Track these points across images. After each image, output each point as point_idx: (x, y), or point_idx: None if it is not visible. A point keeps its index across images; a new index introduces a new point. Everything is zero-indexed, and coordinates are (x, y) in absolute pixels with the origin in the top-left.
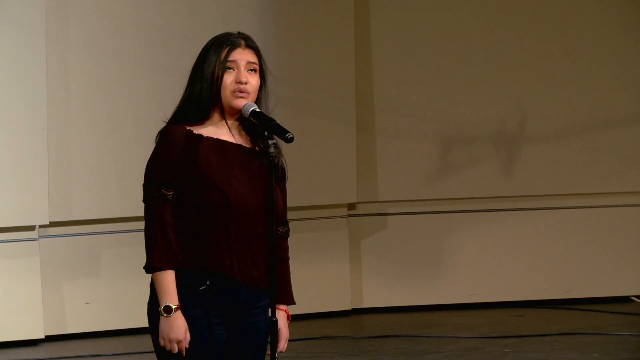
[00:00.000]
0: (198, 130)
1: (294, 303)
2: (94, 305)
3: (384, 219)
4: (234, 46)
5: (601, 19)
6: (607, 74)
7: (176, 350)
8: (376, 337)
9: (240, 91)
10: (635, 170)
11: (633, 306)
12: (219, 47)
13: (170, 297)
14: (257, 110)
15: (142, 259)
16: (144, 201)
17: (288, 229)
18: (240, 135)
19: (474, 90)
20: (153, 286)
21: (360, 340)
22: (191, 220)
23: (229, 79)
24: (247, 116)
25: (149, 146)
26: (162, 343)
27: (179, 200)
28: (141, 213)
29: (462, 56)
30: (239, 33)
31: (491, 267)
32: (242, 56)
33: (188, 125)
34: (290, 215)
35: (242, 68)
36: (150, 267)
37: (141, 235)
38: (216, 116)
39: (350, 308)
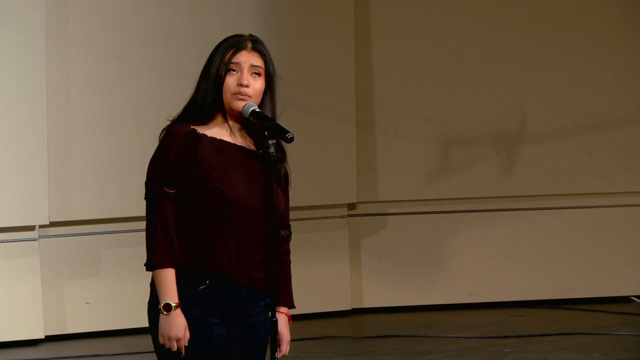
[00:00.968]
0: (202, 130)
1: (294, 307)
2: (94, 305)
3: (384, 219)
4: (239, 48)
5: (601, 19)
6: (607, 74)
7: (175, 348)
8: (376, 337)
9: (241, 94)
10: (635, 170)
11: (633, 306)
12: (225, 48)
13: (170, 295)
14: (257, 110)
15: (142, 259)
16: (145, 199)
17: (290, 233)
18: (243, 137)
19: (474, 90)
20: (153, 286)
21: (360, 340)
22: (192, 219)
23: (231, 80)
24: (247, 116)
25: (149, 146)
26: (161, 341)
27: (180, 200)
28: (141, 213)
29: (462, 56)
30: (250, 35)
31: (491, 267)
32: (246, 59)
33: (192, 125)
34: (290, 215)
35: (245, 71)
36: (151, 265)
37: (141, 235)
38: (219, 117)
39: (350, 308)
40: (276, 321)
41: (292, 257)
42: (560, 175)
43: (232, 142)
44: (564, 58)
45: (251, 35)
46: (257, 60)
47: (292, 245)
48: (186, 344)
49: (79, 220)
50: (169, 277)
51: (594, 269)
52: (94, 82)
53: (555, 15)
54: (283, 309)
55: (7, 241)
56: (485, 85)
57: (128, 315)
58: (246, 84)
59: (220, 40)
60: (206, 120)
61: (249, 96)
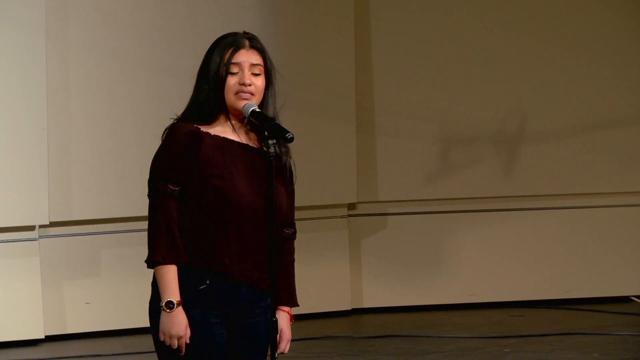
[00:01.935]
0: (205, 129)
1: (297, 305)
2: (94, 305)
3: (384, 219)
4: (237, 47)
5: (601, 19)
6: (607, 74)
7: (175, 345)
8: (376, 337)
9: (244, 92)
10: (635, 170)
11: (633, 306)
12: (223, 48)
13: (172, 292)
14: (257, 110)
15: (142, 258)
16: (149, 196)
17: (295, 231)
18: (246, 135)
19: (474, 90)
20: (155, 285)
21: (360, 340)
22: (194, 218)
23: (232, 80)
24: (247, 116)
25: (149, 146)
26: (162, 338)
27: (183, 198)
28: (141, 213)
29: (462, 56)
30: (244, 33)
31: (491, 267)
32: (246, 58)
33: (195, 124)
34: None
35: (246, 70)
36: (152, 262)
37: (142, 235)
38: (222, 117)
39: (350, 308)
40: (276, 321)
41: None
42: (560, 175)
43: (235, 139)
44: (564, 58)
45: (246, 33)
46: (256, 59)
47: None
48: (187, 342)
49: (79, 220)
50: (170, 274)
51: (594, 269)
52: (94, 82)
53: (555, 16)
54: (285, 308)
55: (7, 241)
56: (485, 85)
57: (128, 315)
58: (248, 83)
59: (216, 39)
60: (209, 120)
61: (252, 94)
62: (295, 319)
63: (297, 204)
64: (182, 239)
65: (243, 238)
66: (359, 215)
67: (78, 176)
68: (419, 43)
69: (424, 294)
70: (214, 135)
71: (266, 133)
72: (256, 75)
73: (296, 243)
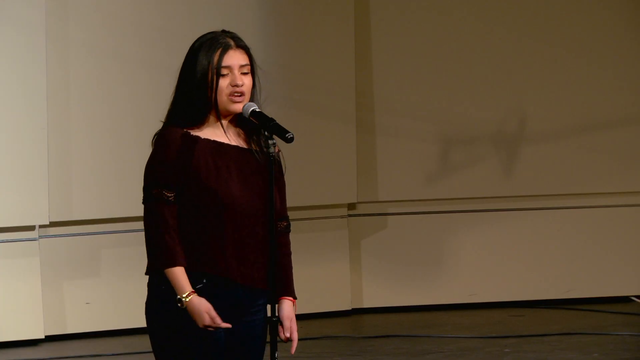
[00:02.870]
0: (195, 132)
1: (295, 298)
2: (94, 305)
3: (384, 219)
4: (225, 49)
5: (601, 19)
6: (607, 74)
7: (212, 322)
8: (376, 337)
9: (237, 93)
10: (635, 170)
11: (633, 306)
12: (210, 50)
13: (181, 289)
14: (257, 110)
15: (143, 258)
16: (144, 203)
17: (288, 224)
18: (236, 136)
19: (474, 90)
20: (151, 286)
21: (360, 340)
22: (189, 221)
23: (224, 83)
24: (247, 116)
25: (149, 146)
26: (207, 322)
27: (177, 204)
28: (141, 213)
29: (462, 56)
30: (224, 32)
31: (491, 267)
32: (235, 60)
33: (185, 128)
34: (290, 215)
35: (237, 71)
36: (157, 269)
37: (142, 235)
38: (212, 119)
39: (350, 308)
40: (276, 321)
41: (292, 258)
42: (560, 175)
43: (226, 142)
44: (564, 58)
45: (226, 32)
46: (244, 58)
47: (293, 245)
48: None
49: (79, 220)
50: (174, 275)
51: (594, 269)
52: (94, 82)
53: (555, 16)
54: (288, 297)
55: (7, 241)
56: (485, 85)
57: (128, 315)
58: (241, 84)
59: (196, 40)
60: (198, 123)
61: (244, 94)
62: (295, 318)
63: (297, 203)
64: (179, 244)
65: (240, 240)
66: (359, 215)
67: (78, 176)
68: (419, 43)
69: (424, 294)
70: (205, 139)
71: (266, 133)
72: (245, 74)
73: (296, 243)
